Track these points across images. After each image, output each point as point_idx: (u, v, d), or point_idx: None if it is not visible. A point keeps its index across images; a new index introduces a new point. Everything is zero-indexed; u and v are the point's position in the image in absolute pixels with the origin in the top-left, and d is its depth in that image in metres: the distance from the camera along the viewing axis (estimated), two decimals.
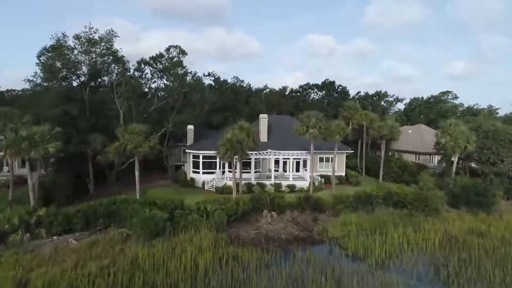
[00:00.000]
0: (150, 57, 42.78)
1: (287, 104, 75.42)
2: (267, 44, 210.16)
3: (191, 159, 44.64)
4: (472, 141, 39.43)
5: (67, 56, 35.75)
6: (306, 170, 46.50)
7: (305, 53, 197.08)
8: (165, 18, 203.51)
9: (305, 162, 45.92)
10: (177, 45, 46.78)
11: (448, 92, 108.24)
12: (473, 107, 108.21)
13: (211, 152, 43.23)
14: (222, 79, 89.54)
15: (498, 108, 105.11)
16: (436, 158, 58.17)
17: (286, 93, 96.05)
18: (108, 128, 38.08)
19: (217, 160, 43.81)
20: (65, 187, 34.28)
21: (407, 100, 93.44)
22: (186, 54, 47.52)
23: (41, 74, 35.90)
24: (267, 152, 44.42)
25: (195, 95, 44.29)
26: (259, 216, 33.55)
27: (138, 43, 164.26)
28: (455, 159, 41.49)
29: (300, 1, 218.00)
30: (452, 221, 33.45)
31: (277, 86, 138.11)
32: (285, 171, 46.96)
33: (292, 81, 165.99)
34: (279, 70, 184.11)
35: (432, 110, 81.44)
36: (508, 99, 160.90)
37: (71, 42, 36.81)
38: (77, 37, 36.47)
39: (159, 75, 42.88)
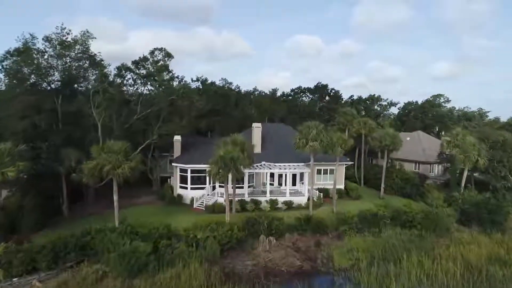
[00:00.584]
0: (132, 61, 38.63)
1: (278, 109, 71.85)
2: (255, 45, 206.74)
3: (178, 173, 40.65)
4: (483, 155, 36.68)
5: (36, 61, 31.33)
6: (303, 183, 43.10)
7: (293, 53, 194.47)
8: (152, 17, 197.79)
9: (302, 174, 42.45)
10: (162, 48, 42.73)
11: (440, 95, 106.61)
12: (463, 109, 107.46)
13: (201, 166, 39.44)
14: (210, 81, 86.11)
15: (488, 111, 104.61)
16: (437, 167, 55.61)
17: (277, 95, 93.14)
18: (84, 141, 33.84)
19: (207, 172, 40.03)
20: (33, 210, 30.04)
21: (400, 104, 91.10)
22: (172, 57, 43.52)
23: (6, 81, 31.42)
24: (261, 165, 40.86)
25: (183, 103, 40.23)
26: (255, 241, 29.89)
27: (124, 43, 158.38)
28: (464, 172, 38.66)
29: (288, 2, 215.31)
30: (467, 245, 30.45)
31: (266, 87, 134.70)
32: (281, 185, 43.46)
33: (280, 81, 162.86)
34: (267, 70, 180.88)
35: (427, 115, 79.20)
36: (492, 100, 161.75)
37: (40, 44, 32.43)
38: (47, 39, 32.05)
39: (142, 81, 38.68)
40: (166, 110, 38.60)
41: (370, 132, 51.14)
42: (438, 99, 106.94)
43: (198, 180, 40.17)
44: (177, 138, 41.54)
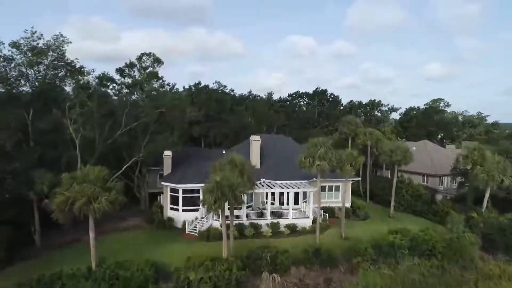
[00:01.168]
0: (116, 69, 34.33)
1: (276, 116, 67.81)
2: (249, 45, 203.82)
3: (169, 192, 36.46)
4: (509, 174, 33.19)
5: (1, 70, 26.97)
6: (305, 201, 39.35)
7: (287, 54, 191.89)
8: (145, 17, 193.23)
9: (305, 193, 38.62)
10: (150, 53, 38.62)
11: (440, 99, 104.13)
12: (462, 113, 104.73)
13: (194, 186, 35.42)
14: (203, 85, 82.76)
15: (487, 115, 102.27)
16: (446, 180, 52.19)
17: (274, 99, 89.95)
18: (59, 160, 29.56)
19: (201, 193, 35.95)
20: None
21: (401, 109, 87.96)
22: (162, 63, 39.46)
23: None
24: (261, 183, 36.99)
25: (173, 113, 35.95)
26: (257, 279, 25.93)
27: (117, 42, 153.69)
28: (486, 193, 35.11)
29: (282, 3, 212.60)
30: (497, 280, 26.85)
31: (260, 89, 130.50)
32: (282, 204, 39.56)
33: (274, 81, 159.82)
34: (261, 71, 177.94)
35: (430, 122, 75.84)
36: (484, 100, 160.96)
37: (7, 50, 27.98)
38: (14, 44, 27.63)
39: (128, 91, 34.33)
40: (155, 123, 34.33)
41: (377, 143, 47.57)
42: (437, 103, 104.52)
43: (191, 200, 36.08)
44: (168, 153, 37.32)
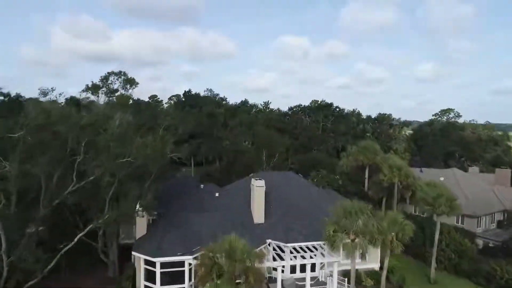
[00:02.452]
0: (66, 100, 24.42)
1: (279, 138, 58.33)
2: (241, 45, 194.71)
3: (142, 265, 26.82)
4: None
5: None
6: (323, 265, 30.38)
7: (279, 54, 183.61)
8: (136, 17, 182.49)
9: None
10: (120, 72, 29.53)
11: (450, 110, 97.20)
12: (470, 122, 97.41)
13: (177, 259, 26.01)
14: (194, 93, 75.14)
15: (495, 124, 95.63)
16: (484, 220, 43.57)
17: (272, 109, 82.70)
18: None
19: (186, 267, 26.56)
20: None
21: (413, 124, 79.53)
22: (136, 84, 30.61)
23: None
24: (266, 247, 27.91)
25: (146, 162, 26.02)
26: None
27: (107, 42, 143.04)
28: None
29: (275, 3, 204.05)
30: None
31: (254, 89, 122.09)
32: (294, 271, 30.31)
33: (267, 81, 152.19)
34: (253, 71, 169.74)
35: (449, 140, 67.24)
36: (473, 100, 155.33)
37: None
38: None
39: (83, 132, 24.21)
40: (120, 176, 24.43)
41: (406, 179, 38.65)
42: (447, 113, 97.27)
43: (173, 276, 26.56)
44: (142, 219, 27.71)
